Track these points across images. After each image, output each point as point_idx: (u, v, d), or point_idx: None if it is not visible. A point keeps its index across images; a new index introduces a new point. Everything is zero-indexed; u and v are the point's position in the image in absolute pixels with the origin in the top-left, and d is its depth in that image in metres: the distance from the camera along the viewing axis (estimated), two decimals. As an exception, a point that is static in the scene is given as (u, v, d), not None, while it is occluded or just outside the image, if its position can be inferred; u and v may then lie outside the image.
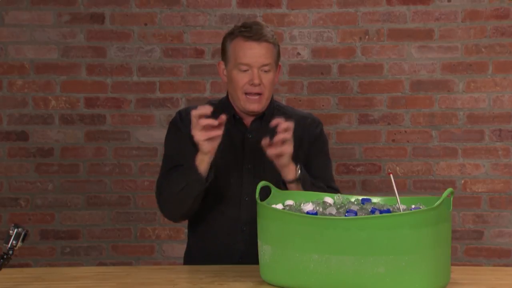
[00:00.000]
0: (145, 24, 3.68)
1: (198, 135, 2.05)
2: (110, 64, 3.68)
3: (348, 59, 3.69)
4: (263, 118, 2.28)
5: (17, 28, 3.65)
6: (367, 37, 3.68)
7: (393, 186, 1.91)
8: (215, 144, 2.08)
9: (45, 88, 3.67)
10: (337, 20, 3.68)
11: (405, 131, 3.69)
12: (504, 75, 3.65)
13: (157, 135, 3.68)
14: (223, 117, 2.07)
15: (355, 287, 1.75)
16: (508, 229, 3.67)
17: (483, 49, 3.64)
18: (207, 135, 2.04)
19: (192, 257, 2.36)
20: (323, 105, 3.69)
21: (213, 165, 2.13)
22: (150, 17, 3.68)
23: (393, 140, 3.70)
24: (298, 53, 3.66)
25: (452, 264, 1.86)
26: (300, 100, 3.66)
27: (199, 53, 3.69)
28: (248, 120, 2.29)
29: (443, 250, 1.79)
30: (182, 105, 3.69)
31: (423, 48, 3.67)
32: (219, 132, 2.06)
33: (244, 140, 2.27)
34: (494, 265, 3.61)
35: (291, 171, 2.15)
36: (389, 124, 3.69)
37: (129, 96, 3.69)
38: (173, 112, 3.66)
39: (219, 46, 3.67)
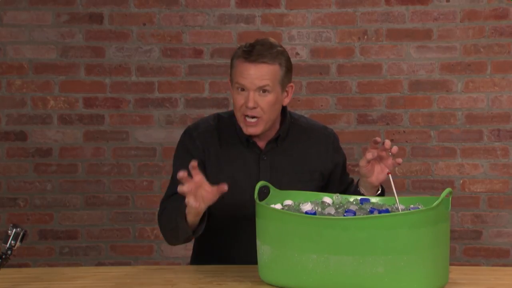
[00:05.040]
0: (144, 24, 3.68)
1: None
2: (109, 64, 3.68)
3: (346, 59, 3.69)
4: (278, 139, 2.25)
5: (15, 28, 3.65)
6: (365, 37, 3.68)
7: (391, 186, 1.92)
8: (202, 203, 1.95)
9: (44, 88, 3.67)
10: (335, 20, 3.68)
11: (404, 131, 3.70)
12: (502, 75, 3.65)
13: (156, 135, 3.68)
14: (194, 164, 1.94)
15: (354, 287, 1.75)
16: (506, 229, 3.67)
17: (481, 49, 3.65)
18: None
19: None
20: (321, 105, 3.69)
21: (204, 221, 2.07)
22: (149, 17, 3.68)
23: (392, 140, 3.68)
24: (297, 53, 3.66)
25: (450, 264, 1.87)
26: (299, 100, 3.66)
27: (198, 53, 3.69)
28: (262, 142, 2.25)
29: (441, 250, 1.79)
30: (181, 105, 3.68)
31: (421, 48, 3.68)
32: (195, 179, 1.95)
33: (259, 162, 2.24)
34: (493, 265, 3.60)
35: (375, 189, 2.14)
36: (387, 124, 3.70)
37: (128, 96, 3.69)
38: (172, 112, 3.69)
39: (218, 46, 3.71)
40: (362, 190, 2.15)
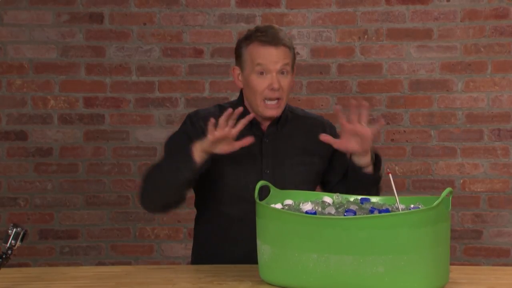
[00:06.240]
0: (144, 24, 3.68)
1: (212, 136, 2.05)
2: (109, 64, 3.68)
3: (347, 59, 3.69)
4: (279, 123, 2.28)
5: (16, 27, 3.65)
6: (366, 36, 3.68)
7: (392, 185, 1.91)
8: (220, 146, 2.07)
9: (44, 88, 3.67)
10: (336, 20, 3.68)
11: (404, 131, 3.70)
12: (503, 74, 3.65)
13: (156, 134, 3.68)
14: (238, 111, 2.07)
15: (354, 287, 1.75)
16: (507, 229, 3.67)
17: (482, 49, 3.64)
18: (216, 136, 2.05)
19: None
20: (322, 105, 3.69)
21: (210, 158, 2.09)
22: (149, 17, 3.68)
23: (392, 140, 3.70)
24: (297, 53, 3.65)
25: (451, 264, 1.86)
26: (299, 100, 3.66)
27: (198, 52, 3.69)
28: (264, 125, 2.28)
29: (442, 250, 1.79)
30: (181, 105, 3.68)
31: (422, 47, 3.67)
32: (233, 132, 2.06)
33: (261, 144, 2.26)
34: (493, 265, 3.60)
35: (368, 155, 2.19)
36: (388, 123, 3.69)
37: (128, 96, 3.69)
38: (172, 112, 3.69)
39: (218, 45, 3.70)
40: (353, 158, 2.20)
